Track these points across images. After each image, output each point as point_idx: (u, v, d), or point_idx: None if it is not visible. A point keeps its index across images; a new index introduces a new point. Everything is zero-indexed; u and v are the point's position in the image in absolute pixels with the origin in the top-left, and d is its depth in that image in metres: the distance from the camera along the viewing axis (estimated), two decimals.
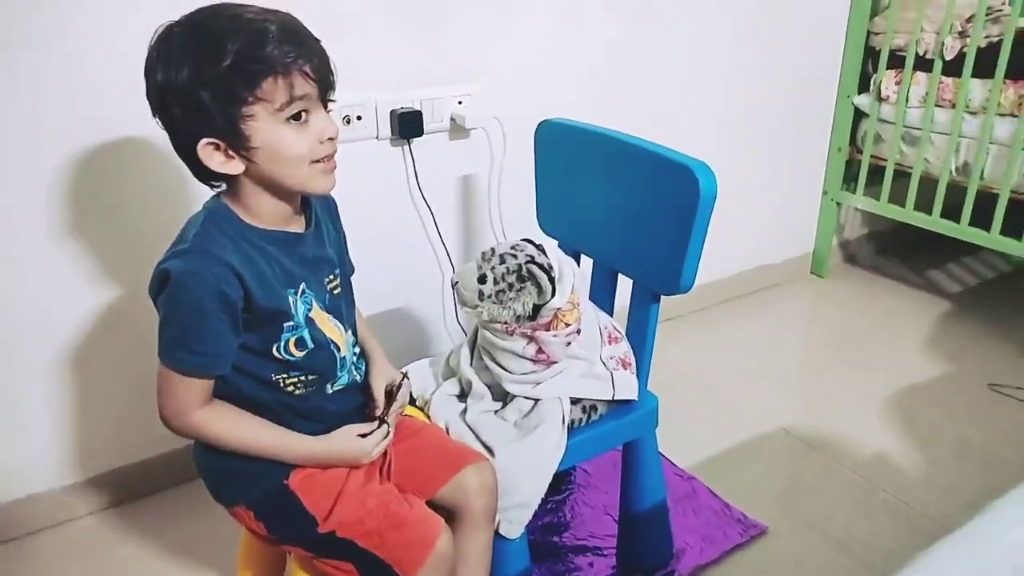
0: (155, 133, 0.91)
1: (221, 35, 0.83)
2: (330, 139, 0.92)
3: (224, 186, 0.96)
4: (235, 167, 0.89)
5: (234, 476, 1.02)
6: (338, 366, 1.03)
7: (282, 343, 0.97)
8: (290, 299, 0.96)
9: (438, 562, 1.01)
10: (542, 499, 1.16)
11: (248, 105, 0.85)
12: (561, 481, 1.64)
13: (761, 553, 1.47)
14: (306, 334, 0.98)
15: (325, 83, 0.90)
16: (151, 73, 0.86)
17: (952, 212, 2.21)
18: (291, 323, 0.96)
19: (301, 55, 0.86)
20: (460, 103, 1.72)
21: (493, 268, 1.15)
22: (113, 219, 1.43)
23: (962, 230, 2.20)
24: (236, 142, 0.87)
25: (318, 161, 0.92)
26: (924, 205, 2.28)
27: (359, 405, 1.10)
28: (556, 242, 1.40)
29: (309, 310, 0.99)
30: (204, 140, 0.87)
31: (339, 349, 1.03)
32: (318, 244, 1.02)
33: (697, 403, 1.94)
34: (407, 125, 1.65)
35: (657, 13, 1.96)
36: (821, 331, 2.39)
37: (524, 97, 1.81)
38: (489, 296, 1.14)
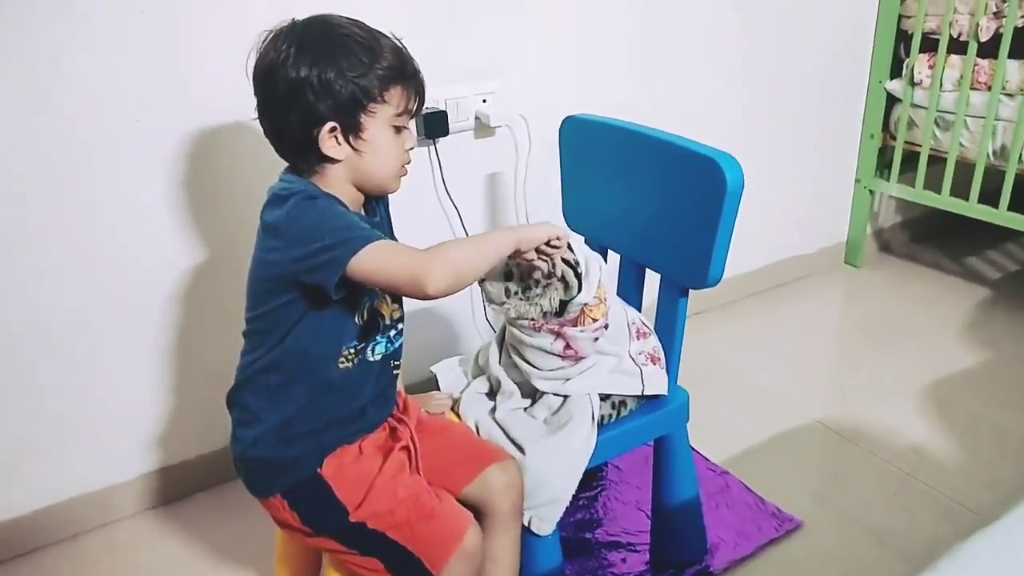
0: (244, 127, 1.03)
1: (368, 45, 0.98)
2: (410, 149, 1.07)
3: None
4: (340, 153, 1.00)
5: (269, 465, 1.05)
6: (379, 331, 1.08)
7: (363, 308, 1.04)
8: None
9: (466, 557, 1.02)
10: (573, 495, 1.16)
11: (376, 103, 0.99)
12: (592, 477, 1.64)
13: (797, 547, 1.46)
14: (376, 302, 1.07)
15: (422, 104, 1.07)
16: (280, 69, 0.97)
17: (989, 197, 2.16)
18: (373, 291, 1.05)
19: (418, 77, 1.04)
20: (484, 101, 1.73)
21: (519, 264, 1.15)
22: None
23: (1000, 215, 2.15)
24: (352, 131, 1.00)
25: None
26: (960, 191, 2.23)
27: (389, 386, 1.13)
28: (583, 238, 1.40)
29: None
30: (329, 124, 0.98)
31: (384, 318, 1.09)
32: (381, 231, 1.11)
33: (729, 397, 1.92)
34: (433, 125, 1.65)
35: (679, 1, 1.94)
36: (856, 321, 2.35)
37: (548, 93, 1.81)
38: (516, 293, 1.14)
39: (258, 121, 1.02)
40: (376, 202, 1.12)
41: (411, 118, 1.05)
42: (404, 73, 1.01)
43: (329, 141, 0.99)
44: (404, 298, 1.10)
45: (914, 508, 1.54)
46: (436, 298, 0.94)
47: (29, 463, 1.48)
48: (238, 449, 1.08)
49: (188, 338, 1.56)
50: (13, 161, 1.32)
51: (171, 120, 1.42)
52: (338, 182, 1.03)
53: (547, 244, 1.06)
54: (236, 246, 1.53)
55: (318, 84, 0.96)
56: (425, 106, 1.60)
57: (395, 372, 1.14)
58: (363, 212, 1.08)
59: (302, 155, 1.02)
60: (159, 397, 1.58)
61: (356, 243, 0.93)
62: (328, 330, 1.03)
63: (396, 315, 1.11)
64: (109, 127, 1.37)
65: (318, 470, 1.04)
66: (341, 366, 1.05)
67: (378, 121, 1.00)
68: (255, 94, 1.01)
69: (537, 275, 1.14)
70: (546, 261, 1.09)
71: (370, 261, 0.93)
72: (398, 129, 1.03)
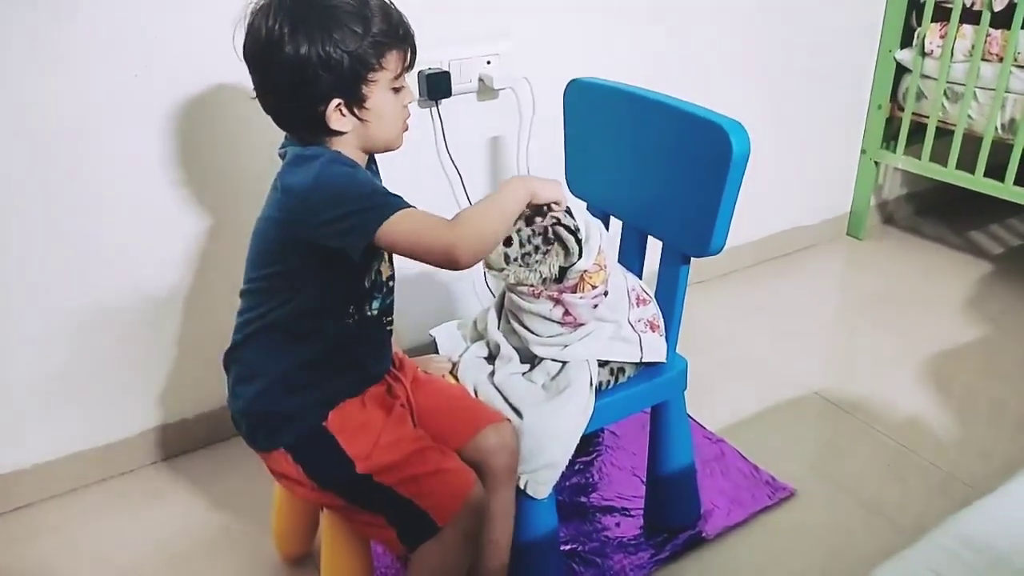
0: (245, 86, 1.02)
1: (359, 13, 0.97)
2: (408, 104, 1.07)
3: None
4: (347, 125, 1.01)
5: (273, 419, 1.07)
6: (378, 288, 1.10)
7: (373, 271, 1.07)
8: None
9: (471, 510, 1.04)
10: (570, 460, 1.17)
11: (375, 72, 0.99)
12: (589, 442, 1.65)
13: (789, 515, 1.47)
14: (379, 264, 1.09)
15: (415, 59, 1.05)
16: (275, 49, 0.95)
17: (996, 171, 2.14)
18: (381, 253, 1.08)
19: (409, 34, 1.03)
20: (488, 63, 1.70)
21: (519, 230, 1.14)
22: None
23: (1006, 189, 2.13)
24: (356, 102, 1.00)
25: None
26: (967, 164, 2.21)
27: (384, 341, 1.15)
28: (585, 204, 1.39)
29: None
30: (336, 101, 0.98)
31: (382, 276, 1.11)
32: None
33: (728, 366, 1.92)
34: (435, 86, 1.63)
35: None
36: (857, 293, 2.35)
37: (553, 56, 1.78)
38: (515, 259, 1.14)
39: (257, 99, 1.02)
40: (371, 158, 1.13)
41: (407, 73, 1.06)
42: (398, 36, 1.00)
43: (335, 115, 0.99)
44: (396, 258, 1.11)
45: (908, 480, 1.55)
46: (464, 268, 0.97)
47: (32, 418, 1.49)
48: (239, 405, 1.09)
49: (190, 296, 1.56)
50: (13, 113, 1.31)
51: (172, 76, 1.41)
52: (347, 148, 1.03)
53: (547, 206, 1.08)
54: (238, 205, 1.53)
55: (318, 62, 0.95)
56: (429, 67, 1.62)
57: (388, 328, 1.16)
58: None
59: (308, 130, 1.02)
60: (160, 355, 1.58)
61: (386, 210, 0.94)
62: (337, 291, 1.04)
63: (389, 272, 1.13)
64: (111, 81, 1.36)
65: (323, 423, 1.05)
66: (342, 323, 1.06)
67: (379, 87, 1.01)
68: (251, 74, 1.00)
69: (537, 241, 1.13)
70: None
71: (399, 230, 0.94)
72: (397, 90, 1.04)
